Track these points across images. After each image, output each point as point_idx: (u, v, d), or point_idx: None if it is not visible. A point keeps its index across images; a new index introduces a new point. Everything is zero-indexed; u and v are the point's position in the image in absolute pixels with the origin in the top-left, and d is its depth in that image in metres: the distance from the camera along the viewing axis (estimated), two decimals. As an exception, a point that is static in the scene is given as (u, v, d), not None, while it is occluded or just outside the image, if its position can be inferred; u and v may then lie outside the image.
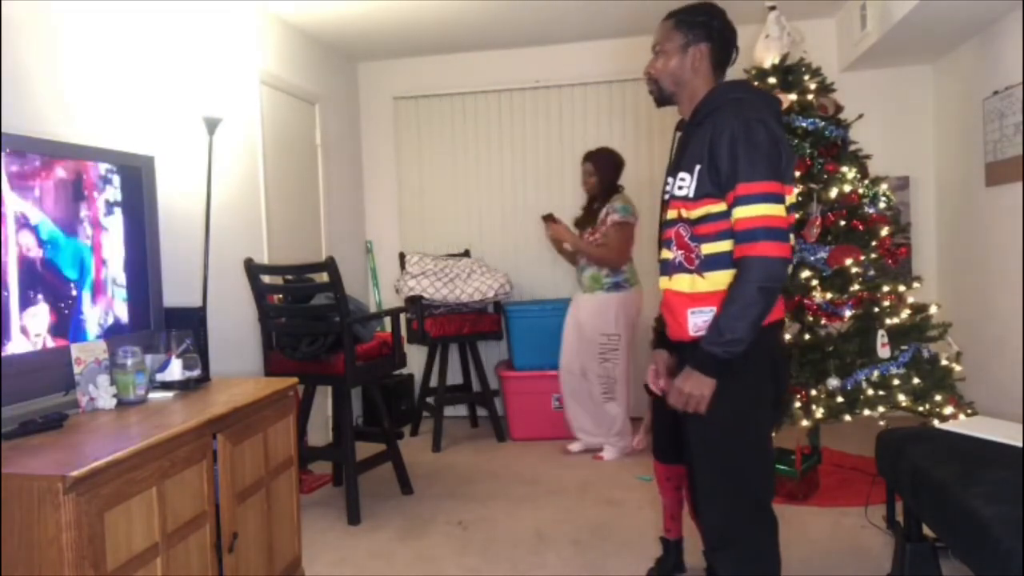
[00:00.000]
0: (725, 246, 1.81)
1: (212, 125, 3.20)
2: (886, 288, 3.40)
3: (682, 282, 1.88)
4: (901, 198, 4.57)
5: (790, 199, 1.89)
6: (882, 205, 3.50)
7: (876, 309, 3.38)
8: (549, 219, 4.13)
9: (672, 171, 1.96)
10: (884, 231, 3.49)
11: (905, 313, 3.40)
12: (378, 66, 5.34)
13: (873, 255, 3.43)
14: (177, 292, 2.97)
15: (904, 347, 3.32)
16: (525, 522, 3.30)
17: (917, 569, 2.32)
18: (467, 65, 5.20)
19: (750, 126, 1.77)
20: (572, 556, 2.94)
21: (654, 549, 2.93)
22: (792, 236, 1.87)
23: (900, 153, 4.66)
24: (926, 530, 2.32)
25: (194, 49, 3.39)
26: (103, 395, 2.23)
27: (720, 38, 1.97)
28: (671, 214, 1.92)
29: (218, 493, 2.18)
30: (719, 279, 1.82)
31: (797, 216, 1.84)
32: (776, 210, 1.75)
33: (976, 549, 1.82)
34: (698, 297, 1.85)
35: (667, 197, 1.95)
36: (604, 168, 4.08)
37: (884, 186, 3.55)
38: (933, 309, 3.48)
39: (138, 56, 2.99)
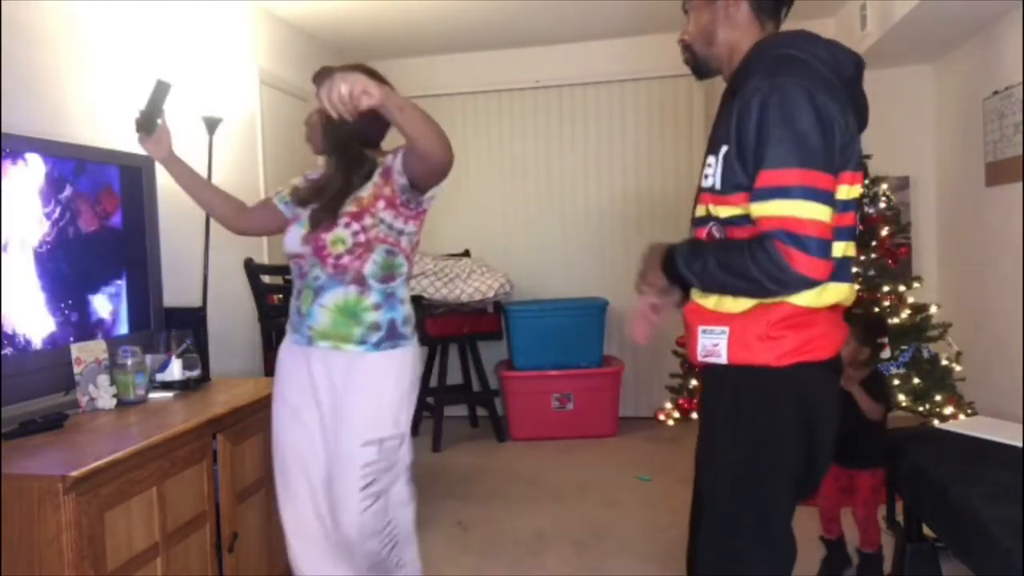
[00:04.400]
0: None
1: (212, 125, 3.20)
2: (886, 288, 3.40)
3: (708, 297, 1.50)
4: (901, 198, 4.57)
5: (850, 191, 1.45)
6: (882, 205, 3.51)
7: (876, 309, 3.38)
8: None
9: (705, 155, 1.55)
10: (884, 231, 3.50)
11: (905, 313, 3.40)
12: (379, 66, 5.21)
13: (873, 255, 3.43)
14: (177, 292, 2.97)
15: (904, 347, 3.32)
16: (525, 522, 3.30)
17: (917, 569, 2.32)
18: (467, 65, 5.20)
19: (785, 92, 1.34)
20: (572, 556, 2.94)
21: (654, 549, 2.93)
22: (846, 247, 1.46)
23: (900, 153, 4.66)
24: (926, 530, 2.32)
25: (194, 49, 3.38)
26: (103, 395, 2.23)
27: None
28: (699, 210, 1.55)
29: (218, 493, 2.18)
30: (744, 300, 1.44)
31: (856, 216, 1.50)
32: (810, 210, 1.33)
33: (976, 549, 1.82)
34: (713, 315, 1.48)
35: (697, 188, 1.57)
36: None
37: (884, 186, 3.55)
38: (933, 309, 3.48)
39: (138, 56, 2.99)
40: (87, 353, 2.24)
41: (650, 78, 4.93)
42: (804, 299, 1.41)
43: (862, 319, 2.73)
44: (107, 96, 2.81)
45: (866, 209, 3.49)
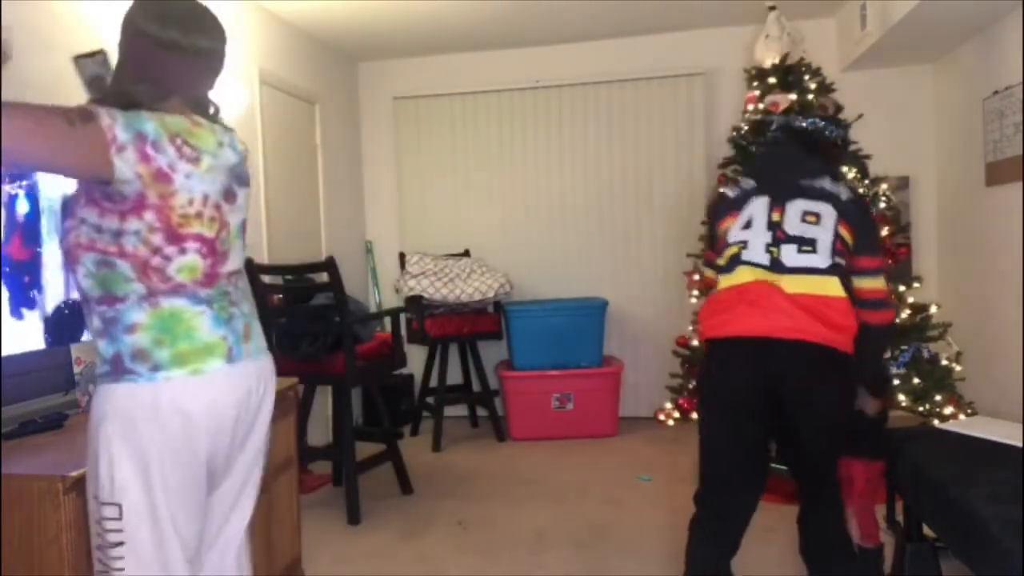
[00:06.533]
0: None
1: (212, 125, 3.19)
2: (886, 288, 3.40)
3: None
4: (901, 198, 4.57)
5: (727, 227, 2.24)
6: (882, 205, 3.51)
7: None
8: None
9: None
10: (884, 231, 3.50)
11: (905, 313, 3.40)
12: (378, 66, 5.34)
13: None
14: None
15: (904, 347, 3.32)
16: (525, 522, 3.30)
17: (917, 569, 2.33)
18: (467, 65, 5.20)
19: None
20: (572, 556, 2.94)
21: (655, 549, 2.93)
22: (730, 251, 2.21)
23: (900, 153, 4.66)
24: (926, 530, 2.33)
25: (194, 49, 3.39)
26: (103, 395, 2.22)
27: None
28: None
29: (218, 493, 2.17)
30: None
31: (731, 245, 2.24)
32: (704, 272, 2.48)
33: (976, 549, 1.82)
34: None
35: None
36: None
37: (884, 186, 3.55)
38: (933, 309, 3.48)
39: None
40: (87, 353, 2.24)
41: (650, 78, 4.93)
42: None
43: None
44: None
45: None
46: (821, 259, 2.08)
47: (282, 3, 4.04)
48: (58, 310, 2.21)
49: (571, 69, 5.07)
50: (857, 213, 2.16)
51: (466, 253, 5.14)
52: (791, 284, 2.06)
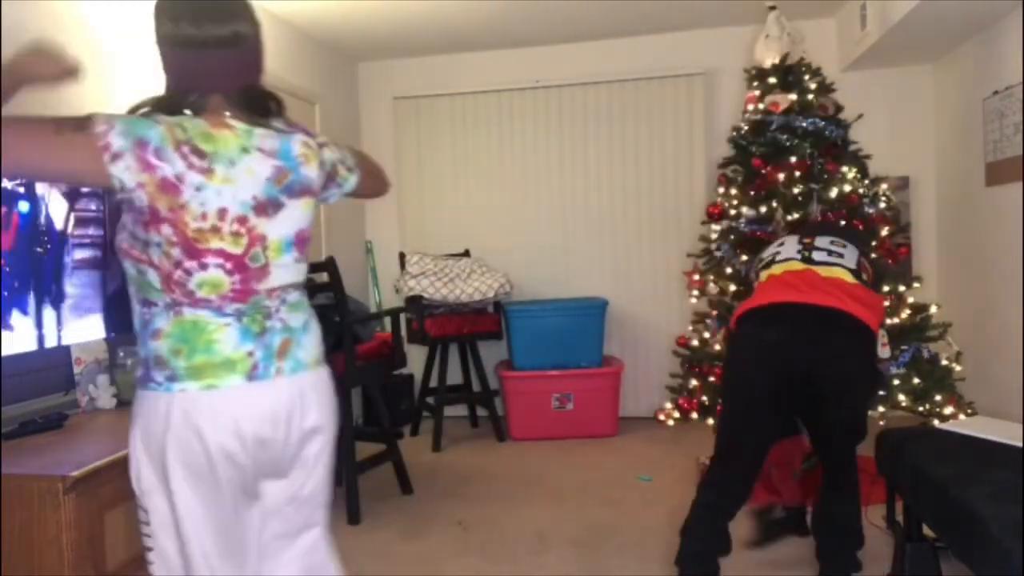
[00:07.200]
0: None
1: (212, 125, 3.19)
2: (886, 288, 3.40)
3: None
4: (901, 198, 4.57)
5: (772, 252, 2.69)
6: (882, 205, 3.51)
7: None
8: None
9: None
10: (884, 231, 3.50)
11: (905, 313, 3.40)
12: (378, 66, 5.34)
13: (873, 255, 3.43)
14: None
15: (904, 347, 3.32)
16: (525, 522, 3.30)
17: (917, 569, 2.33)
18: (467, 65, 5.20)
19: None
20: (572, 556, 2.94)
21: (655, 549, 2.93)
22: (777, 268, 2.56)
23: (900, 153, 4.66)
24: (926, 530, 2.33)
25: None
26: (103, 395, 2.23)
27: None
28: None
29: (218, 493, 2.17)
30: None
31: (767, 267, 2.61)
32: None
33: (976, 549, 1.82)
34: None
35: None
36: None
37: (884, 186, 3.55)
38: (933, 309, 3.48)
39: (139, 56, 2.99)
40: (87, 353, 2.24)
41: (650, 78, 4.93)
42: None
43: None
44: (109, 97, 2.81)
45: (866, 209, 3.49)
46: (847, 261, 2.45)
47: (282, 3, 4.04)
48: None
49: (571, 69, 5.07)
50: (875, 270, 2.59)
51: (466, 253, 5.13)
52: (823, 271, 2.39)
